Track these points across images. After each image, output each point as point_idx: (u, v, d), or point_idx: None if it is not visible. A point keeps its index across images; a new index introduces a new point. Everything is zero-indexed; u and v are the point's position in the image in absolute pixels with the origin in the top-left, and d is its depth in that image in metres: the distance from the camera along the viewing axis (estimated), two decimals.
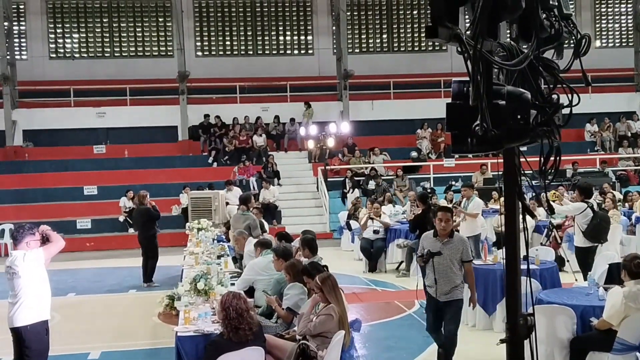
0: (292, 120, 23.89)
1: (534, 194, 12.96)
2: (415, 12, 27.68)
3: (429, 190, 17.86)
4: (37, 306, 6.09)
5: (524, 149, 2.93)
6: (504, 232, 3.19)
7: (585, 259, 10.35)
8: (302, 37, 27.27)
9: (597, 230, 10.17)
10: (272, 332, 6.68)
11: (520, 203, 3.11)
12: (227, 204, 17.49)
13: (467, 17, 2.59)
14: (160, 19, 26.60)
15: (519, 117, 2.54)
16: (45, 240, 6.23)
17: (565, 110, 2.90)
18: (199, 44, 26.60)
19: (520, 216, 3.16)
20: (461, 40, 2.34)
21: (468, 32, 2.42)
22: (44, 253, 6.16)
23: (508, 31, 2.87)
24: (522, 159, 3.05)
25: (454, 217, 13.36)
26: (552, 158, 2.85)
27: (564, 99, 2.90)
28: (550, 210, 7.27)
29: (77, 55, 26.18)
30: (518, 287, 3.19)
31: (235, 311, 5.15)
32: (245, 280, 8.28)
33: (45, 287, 6.20)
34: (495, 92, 2.51)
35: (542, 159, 2.89)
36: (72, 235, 19.44)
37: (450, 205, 14.86)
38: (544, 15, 2.87)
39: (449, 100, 2.68)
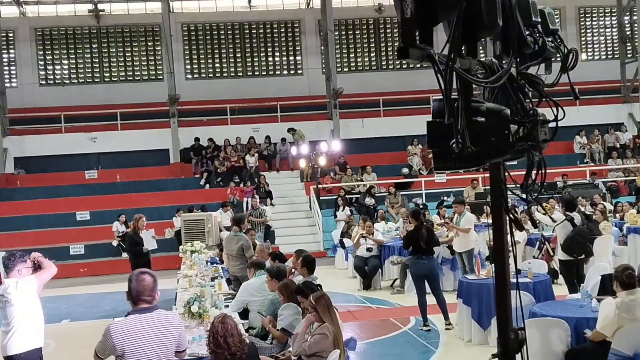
0: (284, 140, 23.96)
1: (525, 208, 13.03)
2: None
3: (421, 206, 17.90)
4: (30, 334, 6.06)
5: (513, 163, 2.97)
6: (493, 247, 3.22)
7: (567, 271, 10.41)
8: (291, 58, 27.43)
9: (571, 244, 10.23)
10: (267, 353, 6.67)
11: (507, 217, 3.14)
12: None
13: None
14: (149, 43, 26.71)
15: (498, 133, 2.58)
16: (37, 267, 6.21)
17: (552, 124, 2.95)
18: (188, 67, 26.72)
19: (509, 230, 3.20)
20: (434, 60, 2.38)
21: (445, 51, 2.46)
22: (36, 280, 6.14)
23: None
24: (509, 173, 3.09)
25: (448, 232, 13.49)
26: (534, 172, 2.89)
27: (550, 114, 2.95)
28: (533, 224, 7.25)
29: (67, 81, 26.24)
30: (508, 302, 3.21)
31: (222, 336, 5.11)
32: (239, 301, 8.27)
33: (38, 315, 6.18)
34: (474, 109, 2.55)
35: (526, 173, 2.93)
36: (66, 261, 19.37)
37: (442, 221, 15.01)
38: (528, 32, 2.93)
39: None
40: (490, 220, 3.24)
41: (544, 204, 15.51)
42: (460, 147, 2.46)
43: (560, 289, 10.52)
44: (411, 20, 2.37)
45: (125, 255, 19.38)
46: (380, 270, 14.21)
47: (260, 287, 8.10)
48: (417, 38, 2.39)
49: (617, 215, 16.28)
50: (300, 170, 23.20)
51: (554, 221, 11.46)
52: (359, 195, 21.41)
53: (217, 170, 22.95)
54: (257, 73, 27.15)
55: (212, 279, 10.29)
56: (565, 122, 2.96)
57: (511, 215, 3.09)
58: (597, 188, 20.55)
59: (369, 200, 20.65)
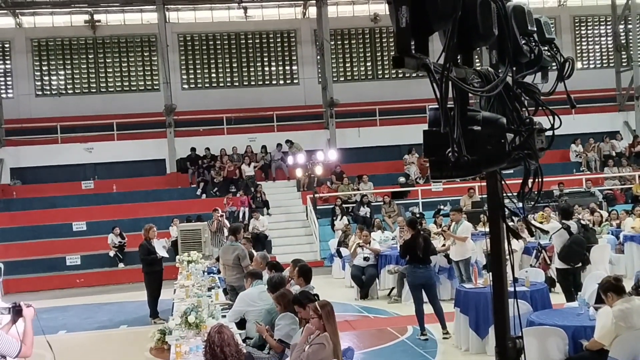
0: (279, 145, 23.94)
1: (521, 216, 13.07)
2: None
3: (418, 215, 17.89)
4: None
5: (510, 171, 2.97)
6: (490, 256, 3.22)
7: (564, 280, 10.39)
8: (287, 68, 27.46)
9: (568, 252, 10.22)
10: None
11: (504, 226, 3.14)
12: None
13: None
14: (145, 54, 26.72)
15: (494, 142, 2.59)
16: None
17: (549, 132, 2.95)
18: (184, 77, 26.73)
19: (506, 239, 3.20)
20: (429, 69, 2.39)
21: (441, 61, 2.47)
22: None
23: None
24: (506, 182, 3.09)
25: (445, 240, 13.48)
26: (530, 181, 2.89)
27: (546, 122, 2.95)
28: (529, 233, 7.21)
29: (63, 92, 26.22)
30: (506, 311, 3.21)
31: (219, 346, 5.09)
32: (236, 311, 8.24)
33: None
34: (470, 118, 2.56)
35: (523, 182, 2.93)
36: (62, 272, 19.37)
37: (439, 230, 15.01)
38: (524, 41, 2.93)
39: None
40: (487, 229, 3.23)
41: (540, 213, 15.54)
42: (456, 155, 2.47)
43: (557, 297, 10.51)
44: (406, 30, 2.37)
45: (121, 265, 19.42)
46: (377, 279, 14.20)
47: (258, 297, 8.08)
48: (413, 47, 2.40)
49: (614, 223, 16.28)
50: (296, 180, 23.20)
51: (545, 232, 11.45)
52: (354, 205, 21.41)
53: (214, 180, 22.96)
54: (253, 83, 27.18)
55: (209, 289, 10.27)
56: (561, 130, 2.96)
57: (507, 224, 3.08)
58: (594, 196, 20.58)
59: (364, 210, 20.64)
